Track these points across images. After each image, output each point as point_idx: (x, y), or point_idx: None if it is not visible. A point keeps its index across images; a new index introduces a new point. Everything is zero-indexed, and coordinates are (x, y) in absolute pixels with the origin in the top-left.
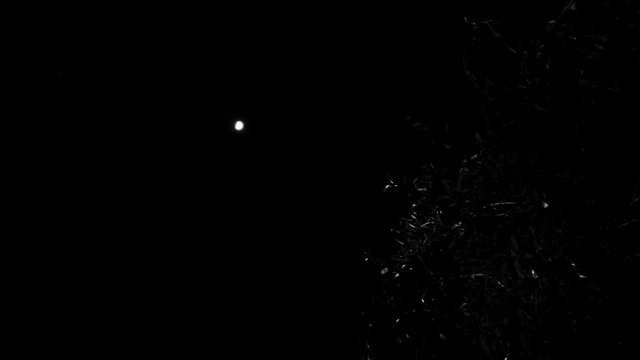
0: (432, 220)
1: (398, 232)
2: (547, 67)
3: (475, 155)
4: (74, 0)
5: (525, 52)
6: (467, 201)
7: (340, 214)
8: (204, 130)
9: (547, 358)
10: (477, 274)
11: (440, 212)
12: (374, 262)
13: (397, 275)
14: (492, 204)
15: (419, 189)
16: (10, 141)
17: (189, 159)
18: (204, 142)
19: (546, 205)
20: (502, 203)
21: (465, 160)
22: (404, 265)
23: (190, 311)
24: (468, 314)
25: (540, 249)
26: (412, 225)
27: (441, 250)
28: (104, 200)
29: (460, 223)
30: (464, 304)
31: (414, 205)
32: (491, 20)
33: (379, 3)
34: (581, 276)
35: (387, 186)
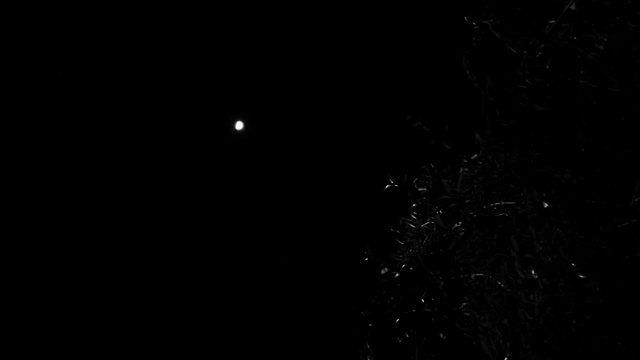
0: (432, 220)
1: (398, 232)
2: (547, 67)
3: (475, 155)
4: (74, 0)
5: (525, 52)
6: (467, 201)
7: (340, 214)
8: (203, 131)
9: (547, 358)
10: (477, 274)
11: (440, 212)
12: (374, 262)
13: (397, 275)
14: (492, 204)
15: (419, 189)
16: (10, 141)
17: (189, 159)
18: (203, 142)
19: (546, 205)
20: (502, 203)
21: (465, 160)
22: (404, 265)
23: (190, 311)
24: (468, 314)
25: (540, 249)
26: (412, 225)
27: (441, 250)
28: (104, 201)
29: (460, 223)
30: (464, 304)
31: (414, 205)
32: (491, 20)
33: (380, 3)
34: (581, 276)
35: (387, 186)
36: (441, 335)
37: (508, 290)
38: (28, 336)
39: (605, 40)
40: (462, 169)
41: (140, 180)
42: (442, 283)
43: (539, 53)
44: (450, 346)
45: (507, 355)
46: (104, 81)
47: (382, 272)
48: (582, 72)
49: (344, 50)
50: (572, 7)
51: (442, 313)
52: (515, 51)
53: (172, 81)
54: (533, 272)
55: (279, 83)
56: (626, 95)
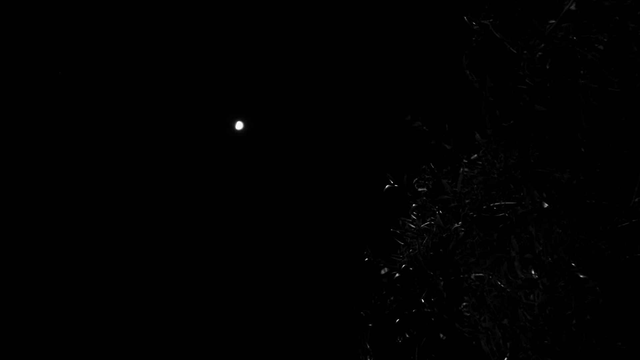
0: (432, 220)
1: (398, 232)
2: (547, 67)
3: (475, 155)
4: (74, 0)
5: (525, 52)
6: (467, 201)
7: (340, 214)
8: (204, 130)
9: (547, 358)
10: (477, 274)
11: (440, 212)
12: (374, 262)
13: (397, 275)
14: (492, 204)
15: (419, 189)
16: (10, 141)
17: (189, 159)
18: (203, 142)
19: (546, 205)
20: (502, 203)
21: (465, 160)
22: (404, 265)
23: (190, 311)
24: (468, 314)
25: (540, 249)
26: (412, 225)
27: (441, 250)
28: (104, 201)
29: (460, 223)
30: (464, 304)
31: (414, 205)
32: (491, 20)
33: (380, 3)
34: (581, 276)
35: (387, 186)
36: (441, 335)
37: (508, 290)
38: (28, 336)
39: (605, 40)
40: (462, 169)
41: (140, 180)
42: (442, 283)
43: (539, 53)
44: (450, 346)
45: (507, 355)
46: (104, 81)
47: (382, 272)
48: (582, 72)
49: (343, 50)
50: (572, 7)
51: (442, 313)
52: (515, 51)
53: (171, 81)
54: (533, 272)
55: (278, 83)
56: (626, 95)
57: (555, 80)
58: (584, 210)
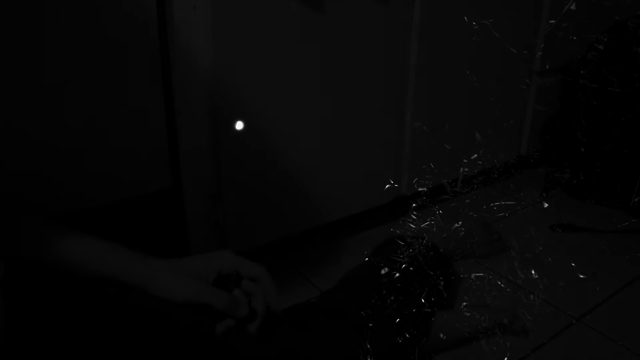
0: (432, 220)
1: (398, 232)
2: (547, 67)
3: (475, 155)
4: None
5: (525, 52)
6: (467, 201)
7: None
8: None
9: (547, 358)
10: (477, 274)
11: (440, 212)
12: (374, 262)
13: (397, 275)
14: (492, 204)
15: (419, 189)
16: None
17: None
18: None
19: (546, 205)
20: (502, 203)
21: (465, 161)
22: (404, 265)
23: None
24: (468, 314)
25: (540, 248)
26: (412, 225)
27: (441, 250)
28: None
29: (460, 223)
30: (464, 304)
31: (414, 205)
32: (491, 20)
33: None
34: (581, 276)
35: (387, 186)
36: (441, 335)
37: (508, 290)
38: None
39: (605, 40)
40: (462, 169)
41: None
42: (442, 283)
43: (539, 53)
44: (450, 346)
45: (507, 355)
46: None
47: (382, 272)
48: (582, 72)
49: None
50: (572, 7)
51: (442, 313)
52: (515, 51)
53: None
54: (533, 272)
55: None
56: (626, 95)
57: (555, 80)
58: (584, 210)
